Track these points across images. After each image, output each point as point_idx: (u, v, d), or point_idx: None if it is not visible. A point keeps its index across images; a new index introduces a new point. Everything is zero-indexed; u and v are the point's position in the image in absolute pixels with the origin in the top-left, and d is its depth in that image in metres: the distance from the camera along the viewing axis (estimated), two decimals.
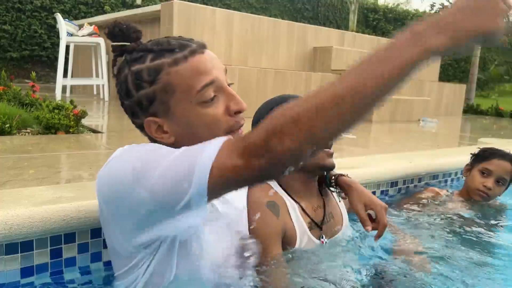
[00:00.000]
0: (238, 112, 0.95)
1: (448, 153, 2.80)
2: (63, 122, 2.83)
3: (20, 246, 1.13)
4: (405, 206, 2.03)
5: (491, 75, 17.68)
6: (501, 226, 1.94)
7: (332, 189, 1.38)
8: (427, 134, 4.74)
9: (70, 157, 2.21)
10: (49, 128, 2.82)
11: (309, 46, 6.11)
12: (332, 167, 1.28)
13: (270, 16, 12.82)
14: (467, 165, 2.11)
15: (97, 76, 6.03)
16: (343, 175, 1.38)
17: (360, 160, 2.34)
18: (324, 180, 1.38)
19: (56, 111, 2.86)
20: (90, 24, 5.83)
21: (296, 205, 1.25)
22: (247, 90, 4.86)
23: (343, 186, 1.33)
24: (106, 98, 5.59)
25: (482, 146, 2.15)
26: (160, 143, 0.91)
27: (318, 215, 1.29)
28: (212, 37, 5.11)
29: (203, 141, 0.85)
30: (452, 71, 18.36)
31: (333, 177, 1.36)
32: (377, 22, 15.81)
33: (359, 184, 1.34)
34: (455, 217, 1.95)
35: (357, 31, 13.87)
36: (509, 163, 1.97)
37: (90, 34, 5.47)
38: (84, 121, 3.13)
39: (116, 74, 0.96)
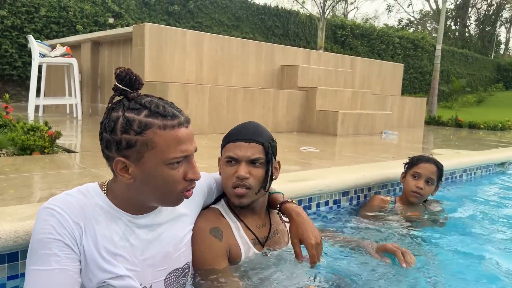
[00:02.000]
0: (194, 179, 1.17)
1: (397, 165, 3.08)
2: (38, 143, 2.96)
3: (7, 257, 1.29)
4: (362, 215, 2.32)
5: (454, 87, 18.52)
6: (439, 222, 2.30)
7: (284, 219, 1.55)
8: (388, 146, 5.05)
9: (46, 177, 2.35)
10: (25, 149, 2.95)
11: (277, 64, 6.41)
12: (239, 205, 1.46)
13: (242, 34, 13.17)
14: (402, 173, 2.45)
15: (70, 95, 6.12)
16: (288, 202, 1.52)
17: (316, 172, 2.57)
18: (269, 204, 1.57)
19: (32, 132, 2.99)
20: (63, 44, 5.95)
21: (239, 224, 1.46)
22: (217, 108, 5.08)
23: (286, 215, 1.50)
24: (79, 117, 5.69)
25: (435, 157, 2.45)
26: (120, 179, 1.14)
27: (262, 232, 1.50)
28: (183, 57, 5.32)
29: (157, 192, 1.14)
30: (418, 84, 19.15)
31: (278, 205, 1.52)
32: (345, 38, 16.40)
33: (300, 215, 1.46)
34: (401, 220, 2.24)
35: (326, 47, 14.38)
36: (433, 165, 2.32)
37: (62, 55, 5.59)
38: (59, 141, 3.26)
39: (109, 110, 1.14)
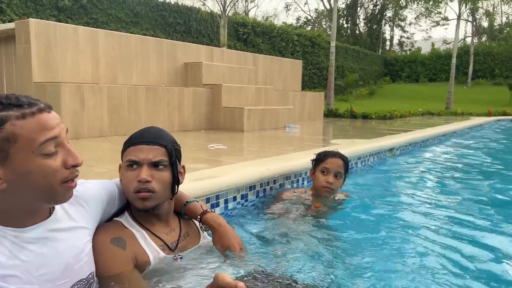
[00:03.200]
0: (75, 166, 1.08)
1: (299, 156, 3.23)
2: None
3: None
4: (272, 210, 2.31)
5: (348, 81, 19.98)
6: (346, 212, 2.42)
7: (196, 222, 1.54)
8: (291, 139, 5.27)
9: None
10: None
11: (179, 61, 6.29)
12: (144, 209, 1.40)
13: (142, 30, 12.69)
14: (311, 169, 2.47)
15: None
16: (208, 212, 1.52)
17: (222, 169, 2.58)
18: (179, 213, 1.54)
19: None
20: None
21: (145, 232, 1.40)
22: (117, 108, 4.84)
23: (208, 226, 1.50)
24: None
25: (327, 149, 2.56)
26: None
27: (172, 237, 1.46)
28: (76, 55, 4.96)
29: (38, 189, 1.02)
30: (317, 79, 20.29)
31: (198, 217, 1.51)
32: (247, 36, 16.71)
33: (222, 225, 1.50)
34: (312, 213, 2.31)
35: (229, 45, 14.50)
36: (340, 159, 2.39)
37: None
38: None
39: None
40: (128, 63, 5.58)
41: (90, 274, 1.24)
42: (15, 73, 5.02)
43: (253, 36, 16.90)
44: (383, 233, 2.13)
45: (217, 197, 2.25)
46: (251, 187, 2.48)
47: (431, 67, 25.80)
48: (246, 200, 2.46)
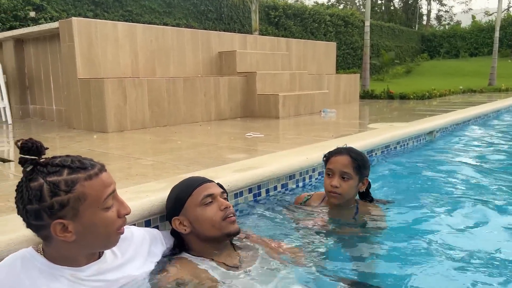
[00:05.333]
0: (126, 214, 1.30)
1: (337, 143, 3.25)
2: None
3: None
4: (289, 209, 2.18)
5: (384, 60, 19.46)
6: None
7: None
8: (327, 124, 5.28)
9: None
10: None
11: (214, 51, 6.39)
12: (236, 232, 1.63)
13: (175, 20, 12.86)
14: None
15: None
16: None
17: (262, 159, 2.67)
18: (231, 242, 1.70)
19: None
20: None
21: (215, 263, 1.56)
22: (157, 100, 5.01)
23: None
24: (10, 121, 5.35)
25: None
26: (56, 241, 1.20)
27: (234, 259, 1.62)
28: (116, 51, 5.15)
29: (99, 237, 1.23)
30: (351, 59, 19.89)
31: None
32: (279, 19, 16.56)
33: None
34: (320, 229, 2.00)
35: (260, 29, 14.44)
36: (346, 156, 1.98)
37: None
38: None
39: (25, 183, 1.16)
40: (165, 56, 5.73)
41: None
42: (61, 70, 5.28)
43: (284, 19, 16.72)
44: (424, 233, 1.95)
45: (259, 187, 2.34)
46: (291, 177, 2.55)
47: (472, 41, 24.62)
48: (286, 189, 2.54)
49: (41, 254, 1.24)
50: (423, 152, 3.94)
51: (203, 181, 1.67)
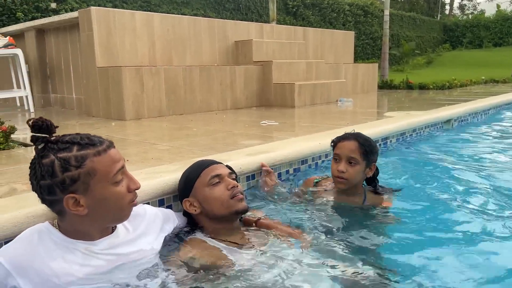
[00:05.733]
0: (136, 189, 1.33)
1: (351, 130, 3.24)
2: None
3: None
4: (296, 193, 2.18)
5: (404, 50, 19.12)
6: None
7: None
8: (344, 113, 5.25)
9: (5, 173, 2.32)
10: None
11: (230, 40, 6.40)
12: (245, 210, 1.68)
13: (193, 10, 12.90)
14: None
15: (18, 87, 5.88)
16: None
17: (275, 145, 2.69)
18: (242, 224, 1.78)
19: None
20: (4, 35, 5.66)
21: (226, 243, 1.60)
22: (174, 89, 5.07)
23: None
24: (32, 109, 5.50)
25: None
26: (69, 216, 1.26)
27: (245, 240, 1.66)
28: (134, 40, 5.22)
29: (110, 211, 1.28)
30: (370, 50, 19.60)
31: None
32: (297, 9, 16.43)
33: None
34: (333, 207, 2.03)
35: (278, 19, 14.35)
36: (353, 141, 1.98)
37: (5, 46, 5.32)
38: (13, 136, 3.18)
39: (38, 159, 1.22)
40: (182, 45, 5.78)
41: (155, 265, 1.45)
42: (80, 59, 5.39)
43: (302, 9, 16.58)
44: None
45: None
46: (303, 161, 2.57)
47: (496, 31, 23.91)
48: (299, 171, 2.55)
49: (57, 228, 1.31)
50: (439, 141, 3.89)
51: (211, 163, 1.72)
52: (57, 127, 1.28)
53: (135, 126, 4.27)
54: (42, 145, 1.23)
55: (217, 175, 1.66)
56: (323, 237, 1.74)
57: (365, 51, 19.21)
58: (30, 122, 1.23)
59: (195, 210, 1.66)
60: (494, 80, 11.64)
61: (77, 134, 1.28)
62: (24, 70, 5.48)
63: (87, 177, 1.22)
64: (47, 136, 1.24)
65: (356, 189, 2.05)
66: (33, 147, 1.25)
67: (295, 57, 6.98)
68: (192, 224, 1.73)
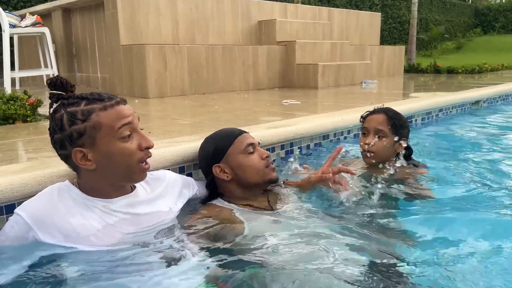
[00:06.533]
0: (148, 148, 1.32)
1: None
2: (20, 112, 2.97)
3: (5, 208, 1.36)
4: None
5: (432, 34, 18.54)
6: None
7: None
8: (368, 94, 5.14)
9: (32, 142, 2.39)
10: (7, 119, 2.95)
11: (253, 20, 6.34)
12: (276, 179, 1.69)
13: None
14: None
15: (45, 66, 6.00)
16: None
17: (296, 120, 2.66)
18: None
19: (11, 102, 2.99)
20: (32, 14, 5.76)
21: (246, 208, 1.62)
22: (197, 68, 5.07)
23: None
24: None
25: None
26: (83, 172, 1.28)
27: (265, 204, 1.67)
28: (157, 18, 5.23)
29: (119, 167, 1.27)
30: (398, 34, 19.07)
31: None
32: None
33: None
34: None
35: (303, 2, 14.11)
36: (382, 114, 1.95)
37: (33, 24, 5.43)
38: (40, 110, 3.26)
39: (52, 114, 1.26)
40: (205, 24, 5.76)
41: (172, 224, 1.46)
42: (105, 37, 5.45)
43: None
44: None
45: (291, 144, 2.34)
46: (325, 136, 2.53)
47: None
48: (320, 146, 2.52)
49: (76, 186, 1.33)
50: (465, 122, 3.77)
51: (241, 131, 1.72)
52: (74, 85, 1.31)
53: (158, 103, 4.31)
54: (57, 101, 1.28)
55: (251, 144, 1.67)
56: (347, 205, 1.70)
57: (391, 35, 18.71)
58: (48, 80, 1.29)
59: (227, 177, 1.65)
60: None
61: (94, 92, 1.30)
62: (51, 49, 5.58)
63: (92, 131, 1.23)
64: (63, 93, 1.28)
65: (385, 165, 1.87)
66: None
67: (319, 38, 6.86)
68: (213, 194, 1.73)
